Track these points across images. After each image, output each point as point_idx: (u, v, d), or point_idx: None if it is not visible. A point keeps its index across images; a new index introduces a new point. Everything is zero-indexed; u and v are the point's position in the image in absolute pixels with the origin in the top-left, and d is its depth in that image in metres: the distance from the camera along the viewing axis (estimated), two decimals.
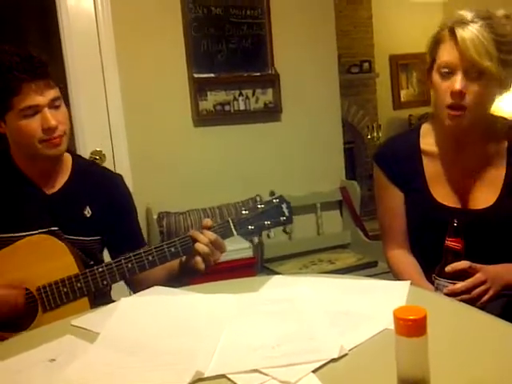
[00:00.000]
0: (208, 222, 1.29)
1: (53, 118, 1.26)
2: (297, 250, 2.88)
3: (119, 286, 1.41)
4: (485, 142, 1.28)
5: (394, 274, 1.39)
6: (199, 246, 1.25)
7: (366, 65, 5.23)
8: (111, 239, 1.45)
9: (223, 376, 0.76)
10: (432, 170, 1.31)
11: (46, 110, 1.25)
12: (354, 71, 5.17)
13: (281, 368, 0.76)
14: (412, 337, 0.62)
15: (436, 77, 1.20)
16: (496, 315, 0.92)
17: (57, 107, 1.29)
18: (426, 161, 1.32)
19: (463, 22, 1.14)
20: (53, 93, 1.27)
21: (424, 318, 0.63)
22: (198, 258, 1.26)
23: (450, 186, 1.29)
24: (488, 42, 1.12)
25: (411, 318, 0.62)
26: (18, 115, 1.24)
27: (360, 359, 0.79)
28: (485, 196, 1.25)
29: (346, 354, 0.79)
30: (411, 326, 0.62)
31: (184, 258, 1.32)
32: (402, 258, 1.36)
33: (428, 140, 1.33)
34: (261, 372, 0.76)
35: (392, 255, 1.39)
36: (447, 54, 1.17)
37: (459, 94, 1.15)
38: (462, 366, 0.75)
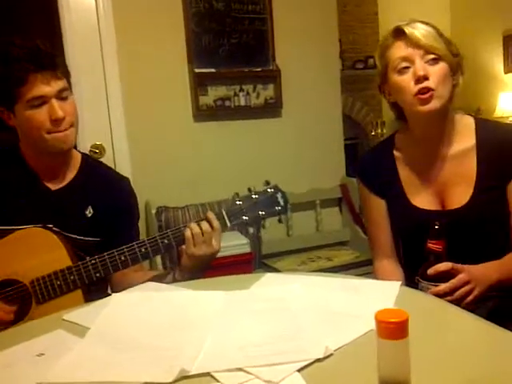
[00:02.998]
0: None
1: (60, 109, 1.26)
2: (295, 247, 2.89)
3: None
4: (452, 142, 1.30)
5: None
6: (185, 230, 1.25)
7: (371, 61, 5.18)
8: (108, 242, 1.43)
9: (208, 374, 0.76)
10: (407, 175, 1.35)
11: (54, 101, 1.25)
12: (359, 67, 5.14)
13: (265, 367, 0.76)
14: (393, 339, 0.62)
15: (394, 76, 1.25)
16: (485, 317, 0.92)
17: (64, 98, 1.29)
18: (400, 167, 1.36)
19: (406, 24, 1.24)
20: (60, 84, 1.27)
21: (405, 321, 0.63)
22: (186, 244, 1.25)
23: (426, 189, 1.32)
24: (433, 32, 1.23)
25: (392, 320, 0.62)
26: (26, 106, 1.24)
27: (345, 360, 0.79)
28: (459, 195, 1.27)
29: (332, 355, 0.79)
30: (392, 329, 0.62)
31: (177, 272, 1.32)
32: (388, 268, 1.38)
33: (401, 147, 1.38)
34: (245, 371, 0.76)
35: (379, 266, 1.41)
36: (400, 51, 1.24)
37: (423, 78, 1.20)
38: (447, 368, 0.75)
